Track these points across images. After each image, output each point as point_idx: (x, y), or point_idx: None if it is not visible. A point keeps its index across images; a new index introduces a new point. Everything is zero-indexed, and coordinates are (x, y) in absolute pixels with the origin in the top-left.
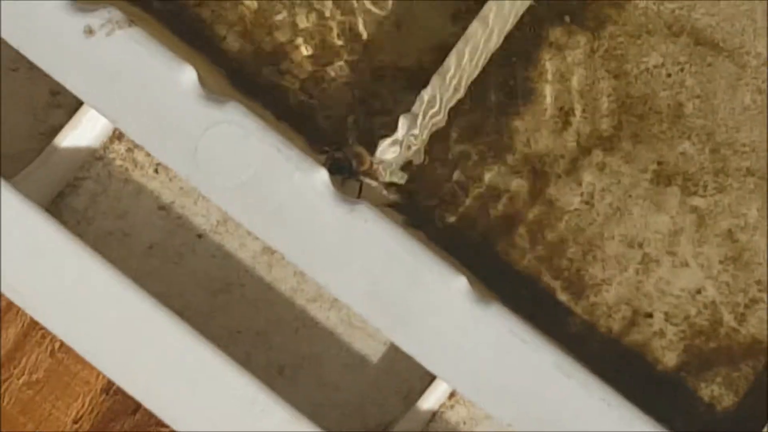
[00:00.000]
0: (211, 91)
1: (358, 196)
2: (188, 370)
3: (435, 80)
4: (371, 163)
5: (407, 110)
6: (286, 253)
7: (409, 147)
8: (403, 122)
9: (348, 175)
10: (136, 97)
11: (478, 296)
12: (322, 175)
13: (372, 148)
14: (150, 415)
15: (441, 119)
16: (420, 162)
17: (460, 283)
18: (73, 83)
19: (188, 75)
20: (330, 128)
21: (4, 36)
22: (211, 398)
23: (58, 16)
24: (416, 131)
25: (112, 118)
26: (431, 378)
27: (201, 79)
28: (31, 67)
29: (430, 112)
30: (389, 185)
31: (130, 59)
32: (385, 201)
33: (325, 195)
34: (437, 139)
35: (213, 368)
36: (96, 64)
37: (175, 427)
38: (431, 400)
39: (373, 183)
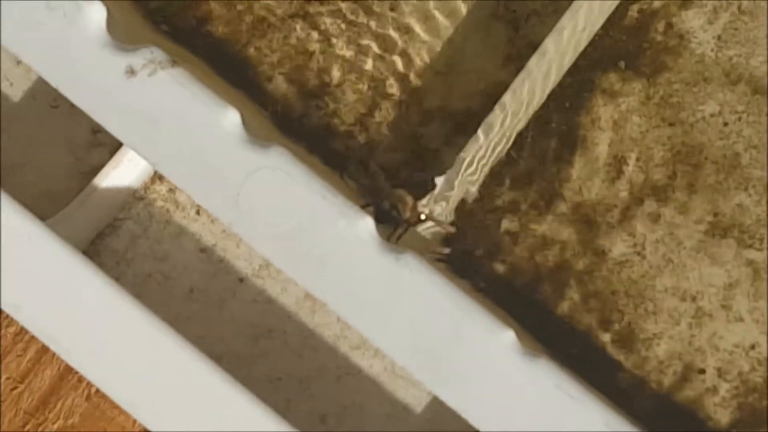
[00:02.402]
0: (255, 135)
1: (398, 240)
2: (226, 419)
3: (485, 126)
4: (415, 205)
5: (456, 153)
6: (329, 302)
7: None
8: (447, 176)
9: (396, 225)
10: (178, 140)
11: (526, 350)
12: (367, 223)
13: (418, 193)
14: None
15: (494, 160)
16: (473, 198)
17: (507, 337)
18: (113, 124)
19: (232, 118)
20: (376, 174)
21: (44, 75)
22: None
23: (99, 55)
24: (470, 176)
25: (153, 160)
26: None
27: (245, 122)
28: (72, 104)
29: (478, 161)
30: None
31: (172, 101)
32: (437, 241)
33: (370, 244)
34: (486, 185)
35: (252, 417)
36: (137, 105)
37: None
38: None
39: (427, 225)
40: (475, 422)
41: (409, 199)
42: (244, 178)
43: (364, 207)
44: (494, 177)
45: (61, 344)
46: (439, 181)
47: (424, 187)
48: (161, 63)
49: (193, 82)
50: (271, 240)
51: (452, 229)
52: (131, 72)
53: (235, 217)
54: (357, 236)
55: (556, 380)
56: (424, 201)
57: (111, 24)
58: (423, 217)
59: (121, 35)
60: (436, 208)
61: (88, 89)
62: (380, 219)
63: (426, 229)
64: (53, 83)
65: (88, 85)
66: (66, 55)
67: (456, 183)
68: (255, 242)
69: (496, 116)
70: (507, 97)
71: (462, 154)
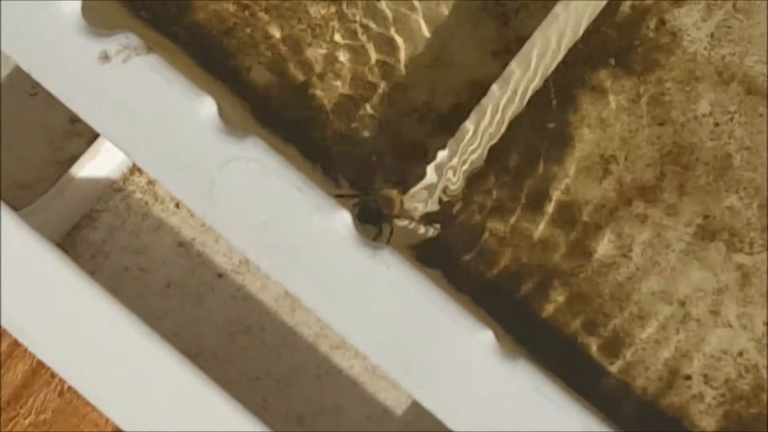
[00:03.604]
0: (232, 125)
1: (388, 242)
2: (201, 418)
3: (471, 120)
4: (402, 204)
5: (441, 148)
6: (303, 298)
7: (444, 191)
8: (433, 167)
9: (378, 224)
10: (152, 129)
11: (505, 351)
12: (344, 217)
13: (401, 189)
14: None
15: (478, 160)
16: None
17: (485, 337)
18: (86, 112)
19: (207, 107)
20: (357, 168)
21: (18, 60)
22: None
23: (73, 40)
24: (451, 176)
25: (127, 149)
26: None
27: (222, 112)
28: (50, 92)
29: (466, 155)
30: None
31: (147, 88)
32: (422, 239)
33: (346, 238)
34: (469, 183)
35: (227, 417)
36: (111, 92)
37: None
38: None
39: (408, 223)
40: (450, 423)
41: (397, 197)
42: (218, 168)
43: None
44: (479, 174)
45: (32, 338)
46: (430, 169)
47: (404, 183)
48: (136, 49)
49: (168, 69)
50: (244, 232)
51: (436, 229)
52: (105, 58)
53: (209, 207)
54: (333, 230)
55: (535, 382)
56: (411, 192)
57: (87, 9)
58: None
59: (97, 20)
60: (419, 201)
61: (62, 75)
62: (364, 218)
63: (409, 225)
64: (26, 68)
65: (62, 71)
66: (40, 40)
67: (444, 169)
68: (229, 234)
69: (481, 110)
70: (493, 89)
71: (458, 132)
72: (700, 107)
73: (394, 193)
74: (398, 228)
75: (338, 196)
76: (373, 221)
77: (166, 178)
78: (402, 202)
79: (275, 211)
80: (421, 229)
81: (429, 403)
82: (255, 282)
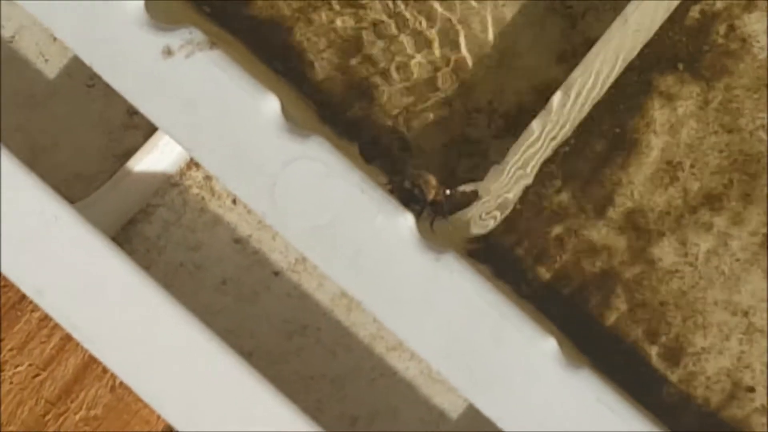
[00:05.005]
0: (295, 124)
1: (431, 227)
2: (254, 418)
3: (535, 122)
4: (438, 190)
5: (500, 154)
6: (363, 301)
7: (497, 197)
8: (493, 171)
9: (422, 206)
10: (213, 125)
11: (567, 359)
12: (407, 219)
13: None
14: None
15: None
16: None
17: (548, 345)
18: (147, 106)
19: (271, 104)
20: (418, 167)
21: (78, 53)
22: None
23: (136, 34)
24: (508, 180)
25: (187, 145)
26: None
27: (285, 110)
28: (108, 84)
29: (526, 159)
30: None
31: (209, 84)
32: (478, 233)
33: (409, 241)
34: (534, 186)
35: (281, 417)
36: (173, 87)
37: None
38: None
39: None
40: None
41: (433, 180)
42: (280, 167)
43: (385, 186)
44: (543, 178)
45: (85, 333)
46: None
47: (464, 181)
48: (200, 44)
49: (232, 65)
50: (305, 233)
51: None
52: (168, 53)
53: (270, 207)
54: (396, 233)
55: (598, 393)
56: (459, 189)
57: (150, 4)
58: (448, 192)
59: (160, 15)
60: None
61: (123, 69)
62: (402, 200)
63: (462, 216)
64: (88, 61)
65: (124, 64)
66: (102, 33)
67: (505, 174)
68: (289, 234)
69: (546, 114)
70: (558, 95)
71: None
72: None
73: (431, 177)
74: (453, 220)
75: (382, 185)
76: (415, 204)
77: (226, 175)
78: (440, 186)
79: (338, 212)
80: (475, 219)
81: (489, 411)
82: (311, 281)
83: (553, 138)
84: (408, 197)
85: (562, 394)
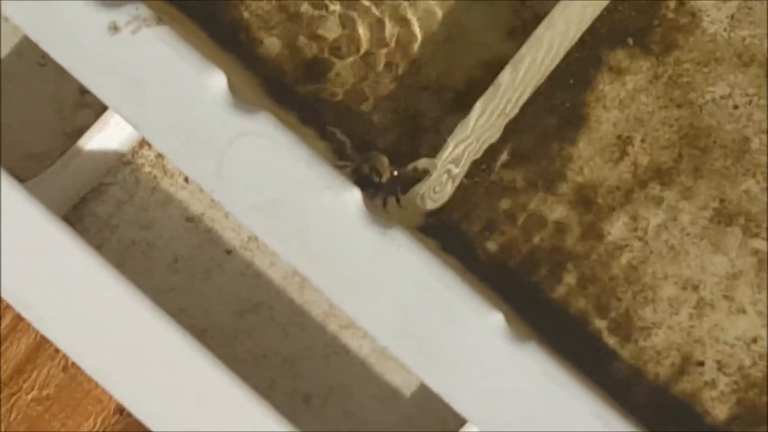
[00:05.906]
0: (242, 100)
1: (385, 207)
2: (205, 396)
3: (484, 98)
4: (392, 173)
5: (451, 129)
6: (311, 277)
7: (447, 172)
8: (445, 148)
9: (374, 190)
10: (161, 102)
11: (515, 334)
12: (355, 194)
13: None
14: None
15: (493, 136)
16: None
17: (495, 319)
18: (94, 83)
19: (217, 80)
20: (367, 143)
21: (25, 30)
22: (228, 428)
23: (82, 10)
24: (457, 155)
25: (135, 122)
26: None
27: (233, 87)
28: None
29: (476, 134)
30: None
31: (156, 60)
32: (432, 208)
33: (356, 216)
34: (483, 160)
35: (231, 395)
36: (119, 64)
37: None
38: None
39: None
40: (457, 407)
41: (385, 161)
42: (227, 143)
43: (339, 167)
44: (492, 153)
45: (36, 313)
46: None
47: (416, 157)
48: (146, 20)
49: (178, 41)
50: (253, 209)
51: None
52: (115, 29)
53: (217, 183)
54: (342, 208)
55: (544, 366)
56: (409, 167)
57: None
58: (396, 173)
59: None
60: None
61: (70, 46)
62: (360, 184)
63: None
64: (35, 38)
65: (71, 41)
66: (49, 10)
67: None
68: (236, 211)
69: (494, 90)
70: (507, 70)
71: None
72: (719, 89)
73: (384, 158)
74: (405, 198)
75: (338, 167)
76: (368, 187)
77: (174, 152)
78: (392, 172)
79: (285, 188)
80: (429, 193)
81: (436, 386)
82: (264, 259)
83: (502, 113)
84: (366, 182)
85: (508, 368)
